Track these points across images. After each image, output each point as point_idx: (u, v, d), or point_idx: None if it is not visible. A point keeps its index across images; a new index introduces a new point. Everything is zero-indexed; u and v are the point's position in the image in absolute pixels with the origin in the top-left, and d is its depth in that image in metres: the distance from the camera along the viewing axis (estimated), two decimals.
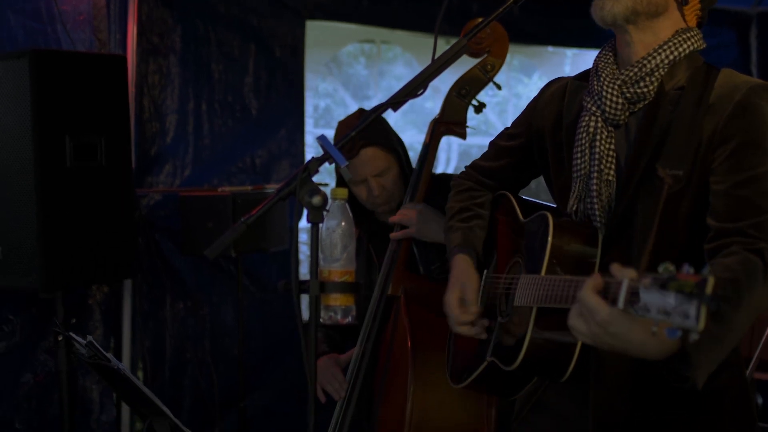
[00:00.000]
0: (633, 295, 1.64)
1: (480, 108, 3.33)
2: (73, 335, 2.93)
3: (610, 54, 2.24)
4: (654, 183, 2.08)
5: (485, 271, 2.48)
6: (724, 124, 2.05)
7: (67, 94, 3.49)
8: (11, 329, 3.98)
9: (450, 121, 3.32)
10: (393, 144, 3.40)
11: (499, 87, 3.35)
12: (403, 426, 2.99)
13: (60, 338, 3.55)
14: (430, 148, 3.32)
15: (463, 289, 2.43)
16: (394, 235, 3.25)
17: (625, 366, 2.11)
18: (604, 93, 2.16)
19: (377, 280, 3.31)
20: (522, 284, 2.20)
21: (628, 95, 2.15)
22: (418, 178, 3.30)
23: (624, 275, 1.69)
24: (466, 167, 2.68)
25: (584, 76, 2.35)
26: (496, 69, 3.29)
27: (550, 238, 2.14)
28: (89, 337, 2.76)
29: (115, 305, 4.37)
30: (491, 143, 2.62)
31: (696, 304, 1.52)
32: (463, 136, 3.35)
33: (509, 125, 2.59)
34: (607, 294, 1.74)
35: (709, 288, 1.51)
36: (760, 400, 3.98)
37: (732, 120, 2.05)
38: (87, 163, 3.54)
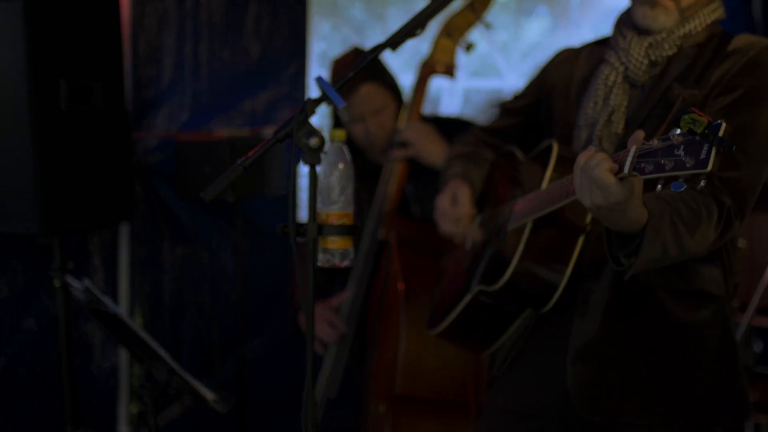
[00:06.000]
0: (641, 158, 1.63)
1: (470, 48, 3.32)
2: (70, 279, 2.92)
3: (630, 21, 2.26)
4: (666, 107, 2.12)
5: (479, 214, 2.49)
6: (732, 75, 2.09)
7: (62, 36, 3.44)
8: (13, 274, 3.97)
9: (439, 62, 3.32)
10: (391, 81, 3.39)
11: (488, 26, 3.34)
12: (397, 370, 3.01)
13: (56, 283, 3.56)
14: (417, 90, 3.31)
15: (455, 191, 2.44)
16: (396, 153, 3.26)
17: (605, 299, 2.16)
18: (631, 50, 2.21)
19: (366, 224, 3.31)
20: (520, 205, 2.23)
21: (653, 57, 2.20)
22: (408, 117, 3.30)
23: (633, 142, 1.68)
24: (470, 129, 2.72)
25: (598, 42, 2.41)
26: (485, 7, 3.27)
27: (553, 160, 2.18)
28: (86, 282, 2.75)
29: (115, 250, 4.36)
30: (499, 106, 2.67)
31: (707, 147, 1.50)
32: (451, 75, 3.36)
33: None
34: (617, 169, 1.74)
35: (722, 131, 1.49)
36: (761, 347, 3.98)
37: (741, 73, 2.10)
38: (82, 107, 3.50)
